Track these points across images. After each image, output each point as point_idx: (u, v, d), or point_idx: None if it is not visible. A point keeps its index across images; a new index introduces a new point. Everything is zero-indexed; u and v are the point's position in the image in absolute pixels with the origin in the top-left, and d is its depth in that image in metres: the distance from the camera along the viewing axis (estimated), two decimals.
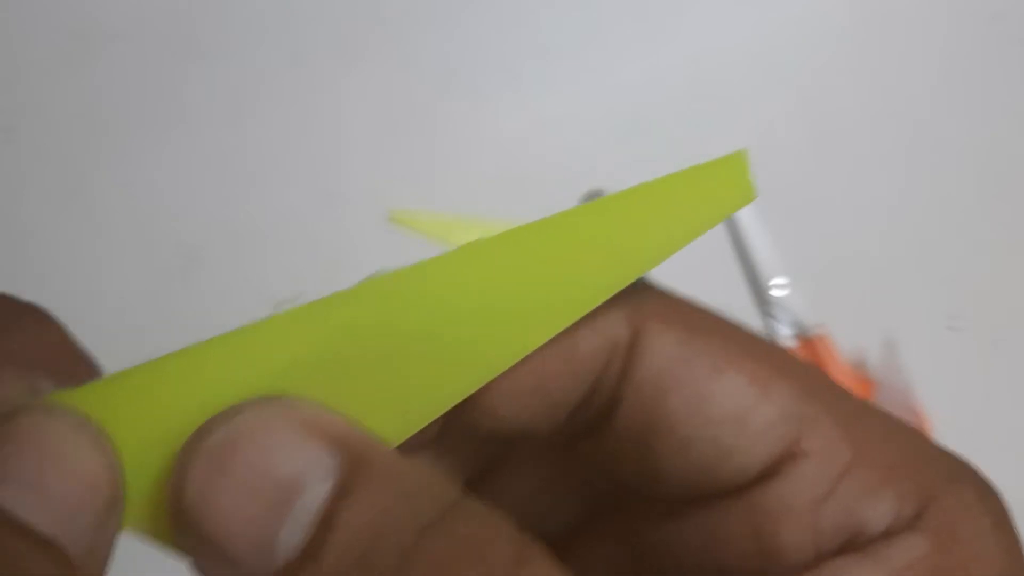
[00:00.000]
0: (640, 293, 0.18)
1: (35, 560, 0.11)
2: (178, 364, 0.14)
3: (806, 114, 0.54)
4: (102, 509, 0.12)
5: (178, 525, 0.13)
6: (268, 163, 0.50)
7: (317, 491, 0.12)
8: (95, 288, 0.49)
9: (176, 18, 0.51)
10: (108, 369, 0.15)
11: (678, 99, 0.53)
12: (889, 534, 0.16)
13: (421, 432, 0.15)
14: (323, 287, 0.16)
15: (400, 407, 0.14)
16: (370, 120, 0.51)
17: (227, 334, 0.14)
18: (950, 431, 0.41)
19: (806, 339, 0.51)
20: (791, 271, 0.52)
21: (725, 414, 0.17)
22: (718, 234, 0.52)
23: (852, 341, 0.51)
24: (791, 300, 0.52)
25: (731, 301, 0.52)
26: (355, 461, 0.12)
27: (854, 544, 0.16)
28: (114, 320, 0.49)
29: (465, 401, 0.15)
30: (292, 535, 0.12)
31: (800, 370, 0.18)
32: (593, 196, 0.51)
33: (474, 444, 0.19)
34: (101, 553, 0.13)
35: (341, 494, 0.12)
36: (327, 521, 0.12)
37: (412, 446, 0.15)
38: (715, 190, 0.18)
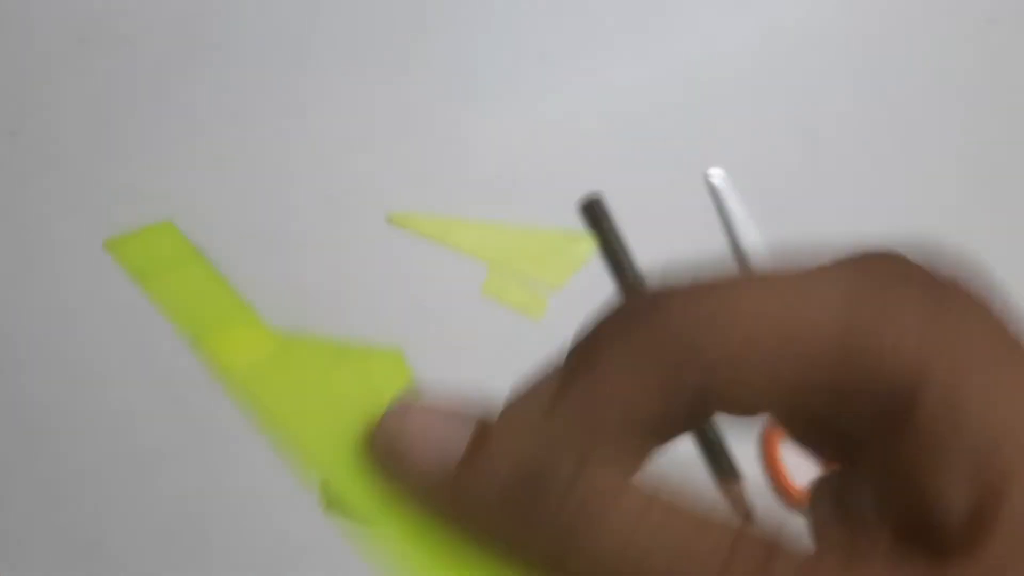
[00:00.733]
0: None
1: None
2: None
3: (799, 119, 0.54)
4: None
5: (380, 454, 0.17)
6: (271, 166, 0.51)
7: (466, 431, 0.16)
8: (99, 289, 0.49)
9: (181, 24, 0.51)
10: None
11: (673, 105, 0.53)
12: None
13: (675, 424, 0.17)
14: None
15: None
16: (370, 124, 0.52)
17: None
18: None
19: None
20: None
21: None
22: (714, 234, 0.53)
23: None
24: None
25: None
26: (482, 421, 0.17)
27: None
28: (118, 320, 0.50)
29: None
30: (457, 450, 0.16)
31: None
32: (590, 200, 0.52)
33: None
34: None
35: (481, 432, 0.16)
36: (478, 439, 0.16)
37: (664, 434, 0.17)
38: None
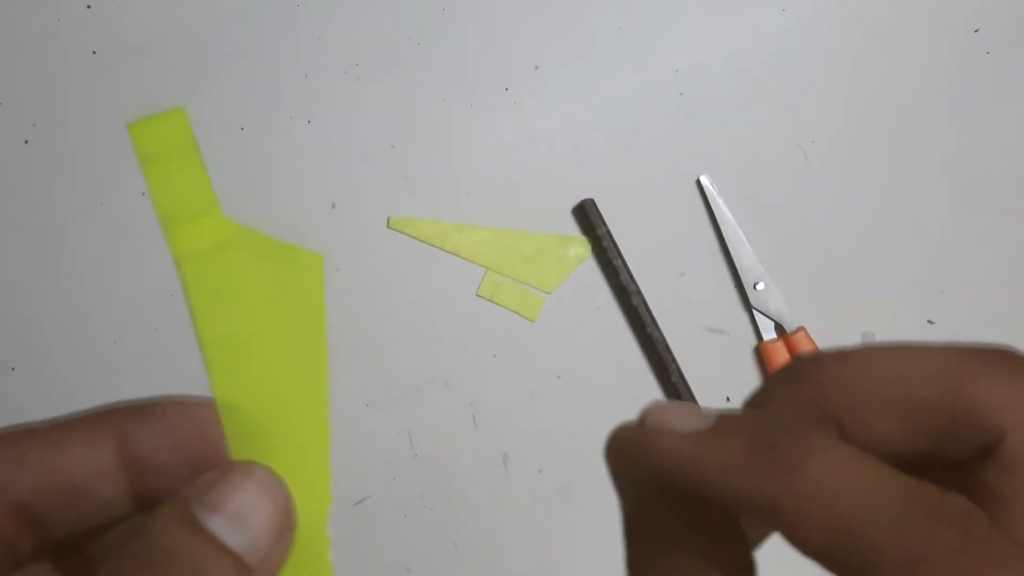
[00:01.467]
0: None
1: (221, 567, 0.19)
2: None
3: (787, 126, 0.54)
4: (280, 531, 0.20)
5: (648, 426, 0.21)
6: (275, 171, 0.51)
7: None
8: (111, 291, 0.50)
9: (187, 35, 0.52)
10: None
11: (665, 112, 0.53)
12: None
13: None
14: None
15: None
16: (371, 131, 0.52)
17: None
18: None
19: (786, 334, 0.52)
20: (773, 272, 0.53)
21: None
22: (704, 238, 0.53)
23: (833, 337, 0.52)
24: (774, 299, 0.53)
25: (720, 300, 0.53)
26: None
27: None
28: (126, 321, 0.50)
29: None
30: (709, 420, 0.21)
31: None
32: (584, 205, 0.52)
33: None
34: (275, 562, 0.20)
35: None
36: (721, 417, 0.21)
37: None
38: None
